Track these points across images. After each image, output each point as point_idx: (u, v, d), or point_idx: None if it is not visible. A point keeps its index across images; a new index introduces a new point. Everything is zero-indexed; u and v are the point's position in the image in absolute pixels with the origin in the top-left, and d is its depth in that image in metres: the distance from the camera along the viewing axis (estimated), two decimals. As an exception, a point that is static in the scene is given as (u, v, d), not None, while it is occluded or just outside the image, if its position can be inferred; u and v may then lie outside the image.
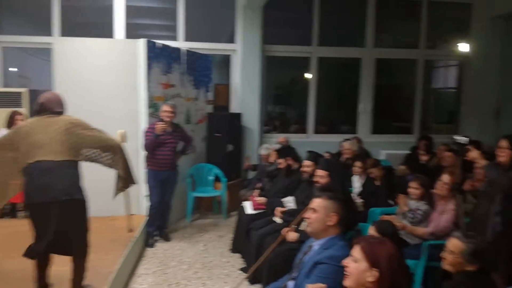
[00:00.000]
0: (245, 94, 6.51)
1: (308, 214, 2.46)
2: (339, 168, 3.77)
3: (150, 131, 4.58)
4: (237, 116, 6.30)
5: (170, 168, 4.70)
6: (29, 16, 6.73)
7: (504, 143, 2.96)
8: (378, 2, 6.86)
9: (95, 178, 4.83)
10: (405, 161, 5.66)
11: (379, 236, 2.22)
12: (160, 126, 4.48)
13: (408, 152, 6.28)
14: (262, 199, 4.43)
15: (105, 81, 5.02)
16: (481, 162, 3.01)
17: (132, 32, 6.40)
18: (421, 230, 3.41)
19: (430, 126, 7.74)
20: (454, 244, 2.24)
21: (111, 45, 5.31)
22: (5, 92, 5.61)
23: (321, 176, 3.57)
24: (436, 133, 7.07)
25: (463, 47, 7.26)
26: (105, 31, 6.38)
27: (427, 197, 3.52)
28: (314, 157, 4.01)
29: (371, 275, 1.76)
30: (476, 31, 6.99)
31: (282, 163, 4.76)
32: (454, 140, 3.42)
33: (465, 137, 3.29)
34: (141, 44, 4.98)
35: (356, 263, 1.82)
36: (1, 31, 6.17)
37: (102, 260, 3.63)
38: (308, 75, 7.04)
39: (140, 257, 4.36)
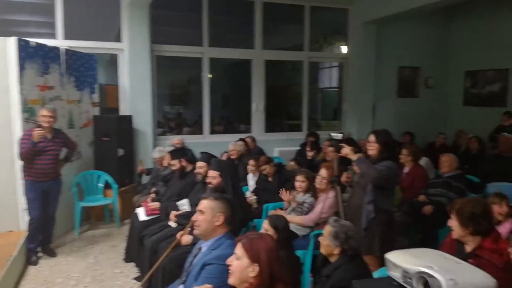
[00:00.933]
0: (135, 95, 6.26)
1: (196, 216, 2.46)
2: (231, 168, 3.81)
3: (26, 138, 4.14)
4: (127, 118, 6.02)
5: (52, 178, 4.32)
6: None
7: (372, 137, 3.28)
8: (264, 5, 7.11)
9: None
10: (295, 157, 5.99)
11: (259, 232, 2.31)
12: (37, 132, 4.05)
13: (298, 148, 6.67)
14: (155, 204, 4.30)
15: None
16: (352, 157, 3.29)
17: (4, 29, 5.74)
18: (303, 218, 3.63)
19: (318, 123, 8.29)
20: (326, 227, 2.45)
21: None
22: None
23: (213, 176, 3.59)
24: (324, 130, 7.62)
25: (342, 49, 7.92)
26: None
27: (312, 189, 3.77)
28: (207, 158, 4.02)
29: (253, 270, 1.83)
30: (352, 35, 7.66)
31: (175, 164, 4.67)
32: (331, 137, 3.69)
33: (341, 133, 3.58)
34: (11, 43, 4.49)
35: (238, 260, 1.87)
36: None
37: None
38: (207, 75, 7.06)
39: (21, 276, 3.94)
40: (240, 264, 1.86)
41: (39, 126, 4.17)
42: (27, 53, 4.62)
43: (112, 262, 4.33)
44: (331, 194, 3.65)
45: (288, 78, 8.49)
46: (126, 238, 4.55)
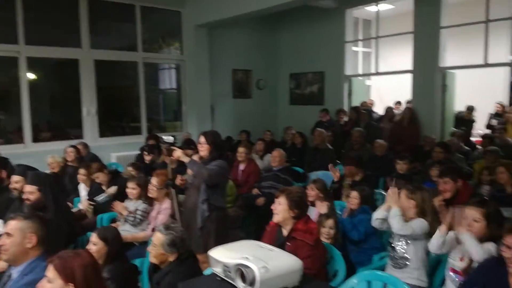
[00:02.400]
0: None
1: (2, 240, 2.16)
2: (51, 181, 3.45)
3: None
4: None
5: None
6: None
7: (202, 139, 3.39)
8: (89, 2, 6.65)
9: None
10: (134, 161, 5.77)
11: (74, 250, 2.15)
12: None
13: (138, 152, 6.43)
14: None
15: None
16: (184, 160, 3.36)
17: None
18: (142, 234, 3.55)
19: (161, 124, 8.17)
20: (156, 237, 2.43)
21: None
22: None
23: (30, 192, 3.21)
24: (168, 131, 7.53)
25: (177, 51, 7.97)
26: None
27: (145, 195, 3.69)
28: (23, 171, 3.56)
29: (69, 291, 1.70)
30: (186, 37, 7.78)
31: None
32: (162, 140, 3.69)
33: (171, 136, 3.60)
34: None
35: (50, 284, 1.71)
36: None
37: None
38: (30, 75, 6.23)
39: None
40: (52, 287, 1.70)
41: None
42: None
43: None
44: (165, 204, 3.64)
45: (125, 79, 8.14)
46: None
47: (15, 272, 2.15)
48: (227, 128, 7.85)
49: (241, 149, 5.28)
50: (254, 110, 8.75)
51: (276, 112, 9.23)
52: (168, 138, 3.56)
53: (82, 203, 4.41)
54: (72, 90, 6.89)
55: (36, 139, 6.38)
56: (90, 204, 4.27)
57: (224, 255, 1.95)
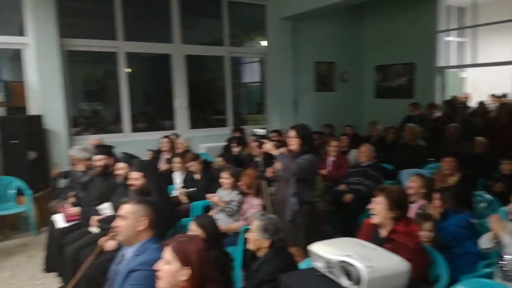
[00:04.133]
0: (45, 94, 5.78)
1: (117, 222, 2.36)
2: (154, 168, 3.71)
3: None
4: (37, 118, 5.57)
5: None
6: None
7: (292, 133, 3.40)
8: (180, -2, 6.98)
9: None
10: (222, 152, 5.99)
11: (188, 234, 2.29)
12: None
13: (224, 144, 6.67)
14: (75, 210, 4.05)
15: None
16: (274, 152, 3.39)
17: None
18: (235, 225, 3.67)
19: (243, 117, 8.37)
20: (254, 223, 2.50)
21: None
22: None
23: (135, 178, 3.47)
24: (250, 124, 7.68)
25: (262, 44, 8.06)
26: None
27: (238, 186, 3.80)
28: (128, 158, 3.86)
29: (184, 274, 1.80)
30: (271, 30, 7.83)
31: (99, 161, 4.27)
32: (254, 133, 3.75)
33: (264, 129, 3.65)
34: None
35: (168, 265, 1.84)
36: None
37: None
38: (124, 69, 6.76)
39: None
40: (170, 268, 1.83)
41: None
42: None
43: (31, 274, 4.04)
44: (256, 200, 3.71)
45: (211, 73, 8.44)
46: (44, 247, 4.24)
47: (128, 252, 2.35)
48: (309, 122, 7.76)
49: (333, 143, 5.30)
50: (337, 103, 8.59)
51: (360, 105, 8.97)
52: (259, 130, 3.62)
53: (177, 190, 4.67)
54: (164, 83, 7.31)
55: (133, 129, 6.87)
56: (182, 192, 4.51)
57: (326, 251, 1.93)
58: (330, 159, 5.25)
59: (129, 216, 2.32)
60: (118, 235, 2.35)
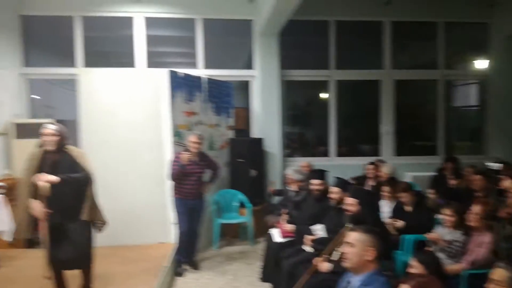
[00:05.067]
0: (265, 119, 6.56)
1: (345, 248, 2.43)
2: (368, 196, 3.71)
3: (176, 161, 4.58)
4: (259, 141, 6.32)
5: (196, 197, 4.70)
6: (54, 47, 6.94)
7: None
8: (393, 24, 6.89)
9: (127, 207, 4.94)
10: (432, 184, 5.56)
11: (425, 274, 2.17)
12: (185, 156, 4.47)
13: (434, 174, 6.16)
14: (289, 227, 4.38)
15: (130, 111, 5.10)
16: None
17: (152, 59, 6.54)
18: (457, 266, 3.31)
19: (453, 144, 7.62)
20: (499, 274, 2.19)
21: (134, 75, 5.43)
22: (34, 123, 5.74)
23: (351, 204, 3.53)
24: (459, 152, 6.95)
25: (481, 65, 7.21)
26: (127, 59, 6.54)
27: (462, 225, 3.43)
28: (342, 183, 3.97)
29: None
30: (493, 50, 6.98)
31: (317, 185, 4.45)
32: (486, 167, 3.34)
33: (497, 163, 3.22)
34: (164, 74, 5.07)
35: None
36: (27, 63, 6.35)
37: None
38: (324, 95, 7.08)
39: (170, 287, 4.33)
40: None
41: (187, 150, 4.59)
42: (176, 83, 5.18)
43: (250, 280, 4.51)
44: (486, 237, 3.27)
45: (419, 97, 8.00)
46: (260, 258, 4.71)
47: (355, 281, 2.38)
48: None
49: None
50: None
51: None
52: (493, 165, 3.21)
53: (385, 220, 4.53)
54: (368, 108, 7.30)
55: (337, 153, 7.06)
56: (394, 222, 4.34)
57: None
58: None
59: (357, 245, 2.37)
60: (346, 260, 2.40)
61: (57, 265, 3.34)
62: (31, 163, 3.30)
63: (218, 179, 5.12)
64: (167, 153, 5.06)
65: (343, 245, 3.07)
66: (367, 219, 3.43)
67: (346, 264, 2.44)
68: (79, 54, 6.36)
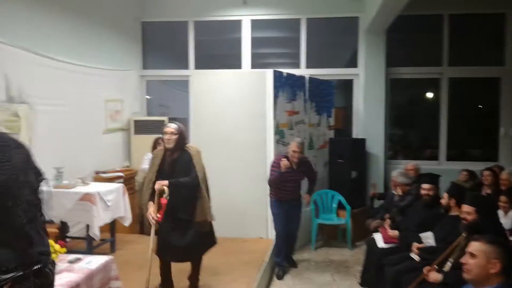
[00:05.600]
0: (368, 119, 6.34)
1: (465, 259, 2.25)
2: (489, 204, 3.36)
3: (275, 166, 4.46)
4: (361, 141, 6.15)
5: (293, 199, 4.60)
6: (168, 51, 7.54)
7: None
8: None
9: (229, 201, 5.17)
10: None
11: None
12: (284, 164, 4.30)
13: None
14: (394, 233, 4.17)
15: (235, 110, 5.33)
16: None
17: (255, 61, 6.72)
18: None
19: None
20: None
21: (240, 76, 5.67)
22: (149, 121, 6.32)
23: (467, 212, 3.24)
24: None
25: None
26: (232, 61, 6.83)
27: None
28: (457, 189, 3.67)
29: None
30: None
31: (428, 190, 4.14)
32: None
33: None
34: (269, 74, 5.19)
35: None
36: (145, 66, 6.98)
37: (238, 283, 3.78)
38: (430, 94, 6.61)
39: (270, 281, 4.41)
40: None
41: (286, 157, 4.40)
42: (280, 82, 5.27)
43: (348, 283, 4.42)
44: None
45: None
46: (360, 262, 4.58)
47: (478, 295, 2.19)
48: None
49: None
50: None
51: None
52: None
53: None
54: (482, 109, 6.64)
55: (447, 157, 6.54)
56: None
57: None
58: None
59: (480, 256, 2.18)
60: (466, 272, 2.22)
61: (165, 256, 3.45)
62: (153, 162, 3.49)
63: (315, 188, 4.95)
64: (269, 151, 5.18)
65: (456, 255, 2.86)
66: (487, 229, 3.13)
67: (466, 275, 2.25)
68: (191, 57, 6.80)
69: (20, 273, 1.41)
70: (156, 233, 3.39)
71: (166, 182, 3.30)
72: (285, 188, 4.52)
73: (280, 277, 4.55)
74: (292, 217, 4.64)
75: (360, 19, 6.41)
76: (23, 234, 1.46)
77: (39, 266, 1.48)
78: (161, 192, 3.31)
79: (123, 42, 6.37)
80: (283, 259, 4.70)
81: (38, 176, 1.61)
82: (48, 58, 4.51)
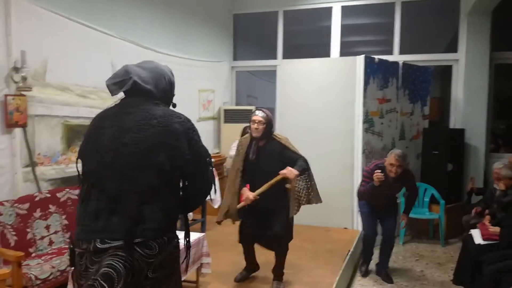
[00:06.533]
0: (468, 108, 5.84)
1: None
2: None
3: (367, 177, 3.94)
4: (460, 132, 5.70)
5: (385, 208, 4.14)
6: (256, 42, 7.70)
7: None
8: None
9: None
10: None
11: None
12: (378, 178, 3.73)
13: None
14: (496, 229, 3.84)
15: (323, 99, 5.29)
16: None
17: (344, 50, 6.56)
18: None
19: None
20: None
21: (329, 63, 5.59)
22: (238, 110, 6.56)
23: None
24: None
25: None
26: (321, 50, 6.75)
27: None
28: None
29: None
30: None
31: None
32: None
33: None
34: (360, 61, 5.06)
35: None
36: (235, 57, 7.22)
37: (323, 270, 3.80)
38: None
39: (354, 272, 4.35)
40: None
41: (382, 168, 3.83)
42: (372, 69, 5.11)
43: (439, 280, 4.18)
44: None
45: None
46: (453, 259, 4.32)
47: None
48: None
49: None
50: None
51: None
52: None
53: None
54: None
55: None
56: None
57: None
58: None
59: None
60: None
61: (248, 238, 3.45)
62: (239, 151, 3.43)
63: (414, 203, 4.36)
64: (357, 141, 5.07)
65: None
66: None
67: None
68: (279, 47, 6.88)
69: (121, 243, 1.57)
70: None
71: (296, 171, 3.17)
72: (377, 200, 4.05)
73: (363, 275, 4.26)
74: (385, 218, 4.12)
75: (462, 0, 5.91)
76: (134, 213, 1.61)
77: (141, 239, 1.60)
78: (285, 179, 3.21)
79: (216, 34, 6.66)
80: (366, 260, 4.30)
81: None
82: (151, 50, 4.91)
